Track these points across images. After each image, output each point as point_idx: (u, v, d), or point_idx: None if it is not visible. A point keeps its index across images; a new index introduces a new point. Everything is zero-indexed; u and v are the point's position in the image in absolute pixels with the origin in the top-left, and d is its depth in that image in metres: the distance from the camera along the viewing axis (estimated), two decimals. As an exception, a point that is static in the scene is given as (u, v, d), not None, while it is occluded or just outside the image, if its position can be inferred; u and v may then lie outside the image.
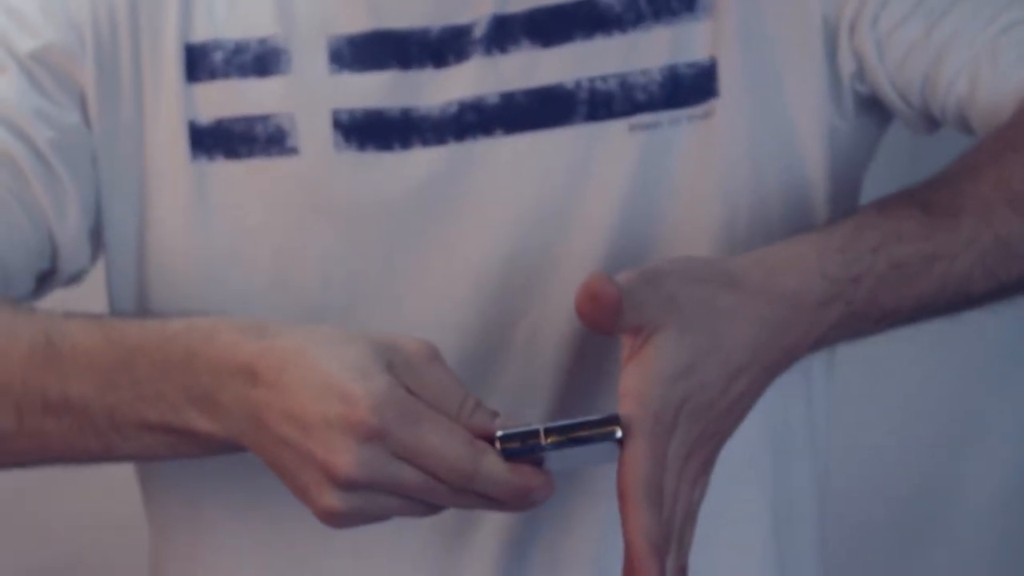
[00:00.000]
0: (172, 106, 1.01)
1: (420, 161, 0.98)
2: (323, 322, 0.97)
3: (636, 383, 0.79)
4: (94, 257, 1.04)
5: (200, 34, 1.01)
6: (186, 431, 0.83)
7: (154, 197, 1.01)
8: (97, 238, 1.03)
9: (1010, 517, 1.46)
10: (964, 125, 0.98)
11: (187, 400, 0.82)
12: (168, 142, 1.01)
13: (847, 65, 0.99)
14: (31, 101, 0.99)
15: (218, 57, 1.01)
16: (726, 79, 0.98)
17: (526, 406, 0.98)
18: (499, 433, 0.78)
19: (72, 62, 1.00)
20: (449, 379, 0.79)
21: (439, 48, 0.99)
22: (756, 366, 0.83)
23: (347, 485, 0.77)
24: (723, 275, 0.83)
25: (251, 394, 0.80)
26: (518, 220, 0.98)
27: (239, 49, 1.01)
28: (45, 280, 1.02)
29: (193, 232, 1.01)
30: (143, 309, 1.02)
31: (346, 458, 0.76)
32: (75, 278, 1.03)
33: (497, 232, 0.98)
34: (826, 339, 0.86)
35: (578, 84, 0.98)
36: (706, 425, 0.81)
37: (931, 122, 1.01)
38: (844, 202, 1.02)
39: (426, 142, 0.98)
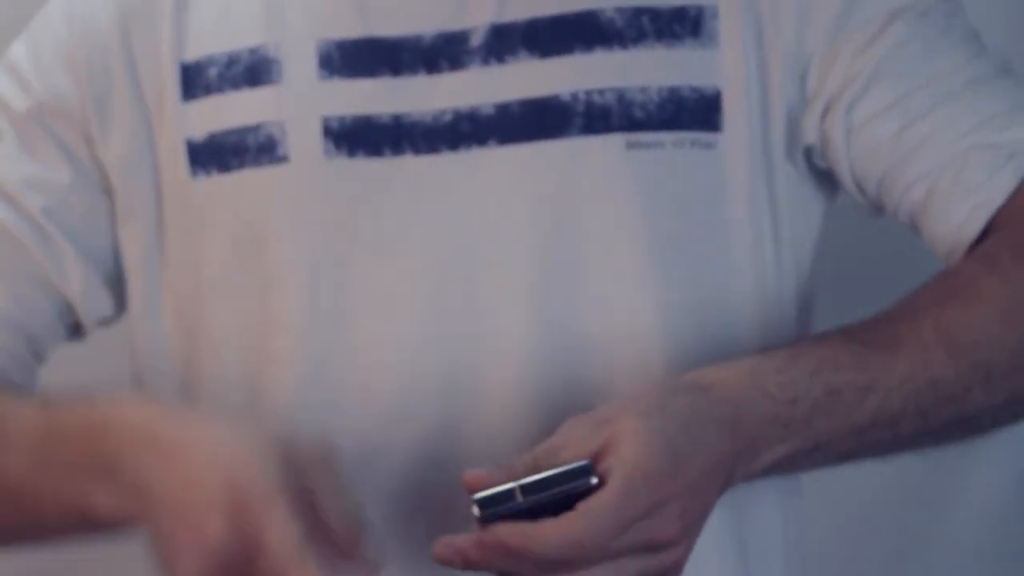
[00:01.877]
0: (172, 126, 1.02)
1: (411, 169, 0.98)
2: (313, 324, 0.98)
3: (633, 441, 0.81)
4: (119, 304, 1.06)
5: (193, 52, 1.02)
6: (86, 510, 0.88)
7: (166, 219, 1.03)
8: (119, 283, 1.05)
9: (1008, 523, 1.45)
10: (915, 229, 0.99)
11: (91, 473, 0.87)
12: (171, 162, 1.02)
13: (809, 135, 0.99)
14: (22, 169, 1.03)
15: (212, 72, 1.01)
16: (731, 112, 0.98)
17: (512, 412, 0.97)
18: (477, 496, 0.78)
19: (67, 115, 1.03)
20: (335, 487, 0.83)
21: (432, 54, 0.99)
22: (720, 472, 0.84)
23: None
24: (665, 387, 0.85)
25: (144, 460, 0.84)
26: (510, 231, 0.97)
27: (231, 61, 1.01)
28: (76, 329, 1.07)
29: (193, 249, 1.02)
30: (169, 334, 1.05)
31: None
32: (105, 322, 1.07)
33: (489, 242, 0.97)
34: (763, 462, 0.86)
35: (575, 96, 0.97)
36: (677, 530, 0.81)
37: (881, 210, 1.01)
38: (797, 269, 1.02)
39: (418, 150, 0.98)
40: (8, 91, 1.04)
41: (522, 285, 0.97)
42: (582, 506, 0.79)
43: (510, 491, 0.77)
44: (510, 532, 0.79)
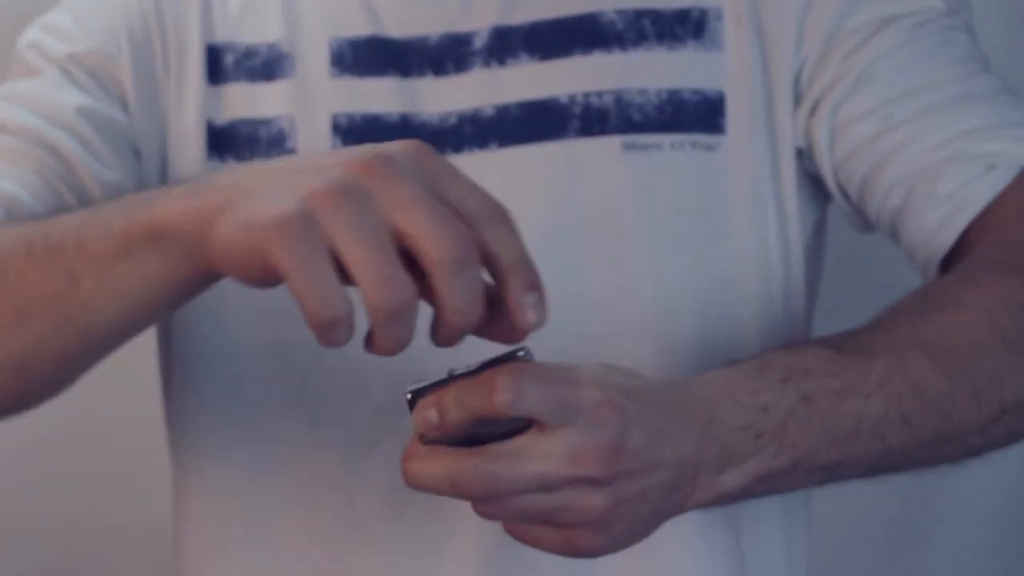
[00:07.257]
0: (193, 105, 1.01)
1: None
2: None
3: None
4: None
5: (218, 35, 1.02)
6: (154, 227, 0.75)
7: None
8: None
9: (1008, 523, 1.45)
10: (894, 237, 0.97)
11: (149, 204, 0.76)
12: (188, 140, 1.01)
13: (798, 137, 0.98)
14: (72, 98, 0.99)
15: (229, 60, 1.02)
16: (735, 114, 0.98)
17: None
18: (410, 387, 0.76)
19: (110, 64, 1.01)
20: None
21: (438, 56, 0.99)
22: (676, 480, 0.79)
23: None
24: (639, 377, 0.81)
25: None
26: None
27: (249, 53, 1.02)
28: None
29: None
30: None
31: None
32: None
33: None
34: (730, 480, 0.81)
35: (572, 99, 0.97)
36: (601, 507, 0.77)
37: (867, 221, 1.00)
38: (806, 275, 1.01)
39: None
40: (47, 41, 1.01)
41: None
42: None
43: (443, 380, 0.76)
44: (468, 381, 0.75)
